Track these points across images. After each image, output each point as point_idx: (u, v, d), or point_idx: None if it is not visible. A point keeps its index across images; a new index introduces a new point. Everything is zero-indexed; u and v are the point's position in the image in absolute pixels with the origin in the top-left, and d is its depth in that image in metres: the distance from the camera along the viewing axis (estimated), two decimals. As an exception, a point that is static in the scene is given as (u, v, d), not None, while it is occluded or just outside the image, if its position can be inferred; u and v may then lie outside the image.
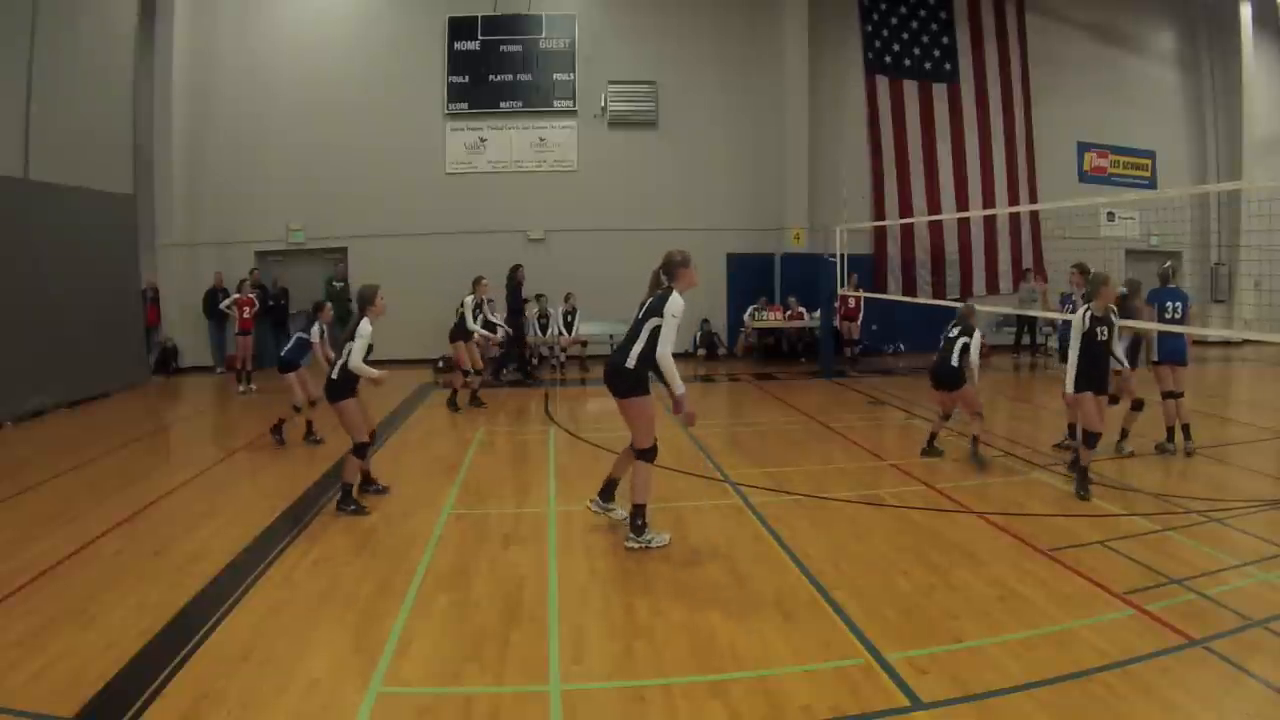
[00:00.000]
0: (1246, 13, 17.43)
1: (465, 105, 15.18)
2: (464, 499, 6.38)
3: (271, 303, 14.04)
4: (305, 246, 14.98)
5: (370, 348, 5.93)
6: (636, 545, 5.06)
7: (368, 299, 6.01)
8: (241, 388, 12.02)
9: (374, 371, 5.91)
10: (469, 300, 10.56)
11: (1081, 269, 7.72)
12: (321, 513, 5.97)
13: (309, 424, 8.51)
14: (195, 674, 3.54)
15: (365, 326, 5.88)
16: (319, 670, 3.58)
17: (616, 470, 5.50)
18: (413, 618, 4.13)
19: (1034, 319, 14.84)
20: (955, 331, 7.32)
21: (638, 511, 5.10)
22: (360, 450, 5.99)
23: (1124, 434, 7.65)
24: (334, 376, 5.95)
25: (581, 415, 10.20)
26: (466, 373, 10.49)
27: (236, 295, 12.62)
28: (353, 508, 5.89)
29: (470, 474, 7.17)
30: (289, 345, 8.46)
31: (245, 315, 12.38)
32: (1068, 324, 7.57)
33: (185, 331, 14.38)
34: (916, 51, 16.36)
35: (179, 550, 5.16)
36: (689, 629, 3.99)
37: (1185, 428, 7.50)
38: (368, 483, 6.40)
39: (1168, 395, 7.51)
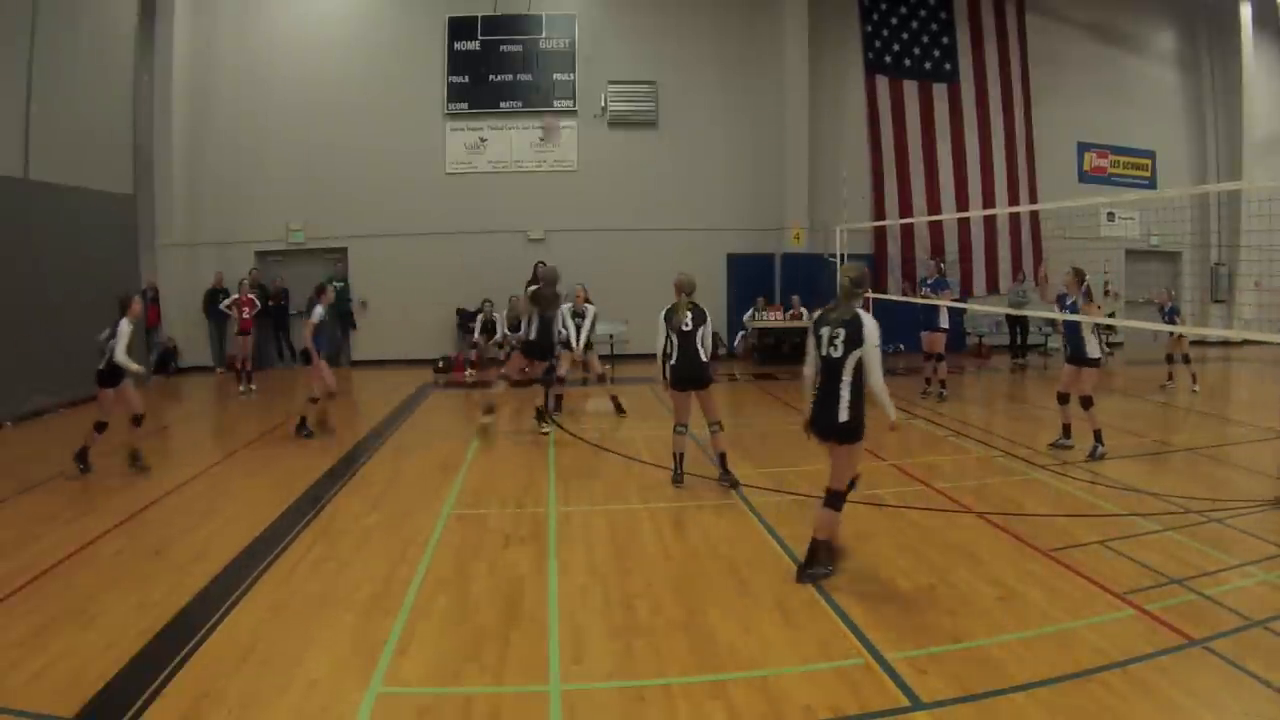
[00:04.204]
0: (1246, 13, 17.43)
1: (465, 105, 15.17)
2: (464, 499, 6.38)
3: (271, 303, 14.04)
4: (305, 246, 14.97)
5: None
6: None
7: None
8: (241, 388, 12.02)
9: None
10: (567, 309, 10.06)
11: (1077, 273, 7.75)
12: (322, 512, 5.98)
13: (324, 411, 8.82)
14: (195, 674, 3.54)
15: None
16: (319, 670, 3.58)
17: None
18: (413, 618, 4.13)
19: (1026, 320, 14.84)
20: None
21: (724, 458, 6.58)
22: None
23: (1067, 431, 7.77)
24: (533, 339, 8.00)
25: (581, 415, 10.19)
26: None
27: (236, 295, 12.61)
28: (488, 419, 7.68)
29: (470, 474, 7.17)
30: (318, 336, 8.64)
31: (245, 315, 12.38)
32: (1071, 324, 7.58)
33: (185, 331, 14.37)
34: (916, 51, 16.35)
35: (179, 550, 5.16)
36: (689, 629, 3.99)
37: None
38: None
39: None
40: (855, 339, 4.39)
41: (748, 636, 3.90)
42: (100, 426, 7.19)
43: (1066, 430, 7.74)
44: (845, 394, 4.41)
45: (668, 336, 6.47)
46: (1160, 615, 4.02)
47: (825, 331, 4.49)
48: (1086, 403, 7.47)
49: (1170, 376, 11.75)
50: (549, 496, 6.42)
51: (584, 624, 4.06)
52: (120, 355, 6.95)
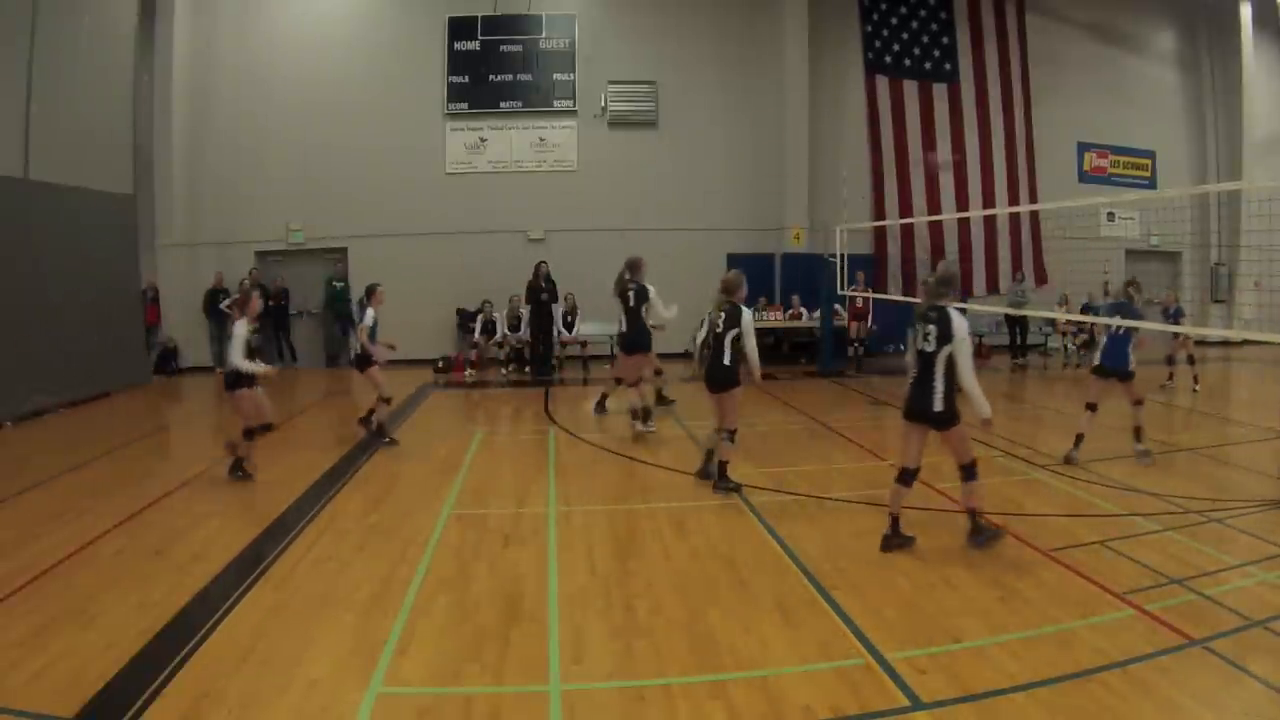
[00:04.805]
0: (1246, 13, 17.42)
1: (465, 105, 15.17)
2: (464, 499, 6.38)
3: (272, 303, 14.03)
4: (305, 246, 14.96)
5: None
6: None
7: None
8: (242, 388, 12.00)
9: None
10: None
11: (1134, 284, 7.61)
12: (322, 512, 5.98)
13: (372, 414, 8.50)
14: (195, 674, 3.54)
15: None
16: (319, 670, 3.58)
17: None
18: (413, 618, 4.13)
19: (1025, 320, 14.84)
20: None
21: (723, 467, 6.37)
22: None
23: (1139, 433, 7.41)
24: None
25: (581, 415, 10.18)
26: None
27: (237, 295, 12.59)
28: None
29: (470, 474, 7.17)
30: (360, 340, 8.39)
31: (245, 315, 12.35)
32: (1115, 329, 7.25)
33: (185, 332, 14.37)
34: (916, 51, 16.34)
35: (179, 550, 5.16)
36: (689, 629, 3.99)
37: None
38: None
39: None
40: (945, 335, 4.77)
41: (748, 636, 3.90)
42: (249, 433, 6.77)
43: (1137, 433, 7.33)
44: (939, 385, 4.82)
45: (707, 333, 6.48)
46: (1160, 615, 4.02)
47: (920, 327, 4.90)
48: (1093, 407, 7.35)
49: (1171, 376, 11.75)
50: (549, 496, 6.42)
51: (584, 624, 4.06)
52: (237, 359, 6.48)
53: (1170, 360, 11.77)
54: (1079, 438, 7.31)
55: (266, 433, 6.99)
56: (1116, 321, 7.15)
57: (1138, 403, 7.27)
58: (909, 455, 5.05)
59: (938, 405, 4.83)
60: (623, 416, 9.16)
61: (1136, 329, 7.22)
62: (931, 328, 4.84)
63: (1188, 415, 10.11)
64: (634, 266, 8.59)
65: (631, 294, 8.49)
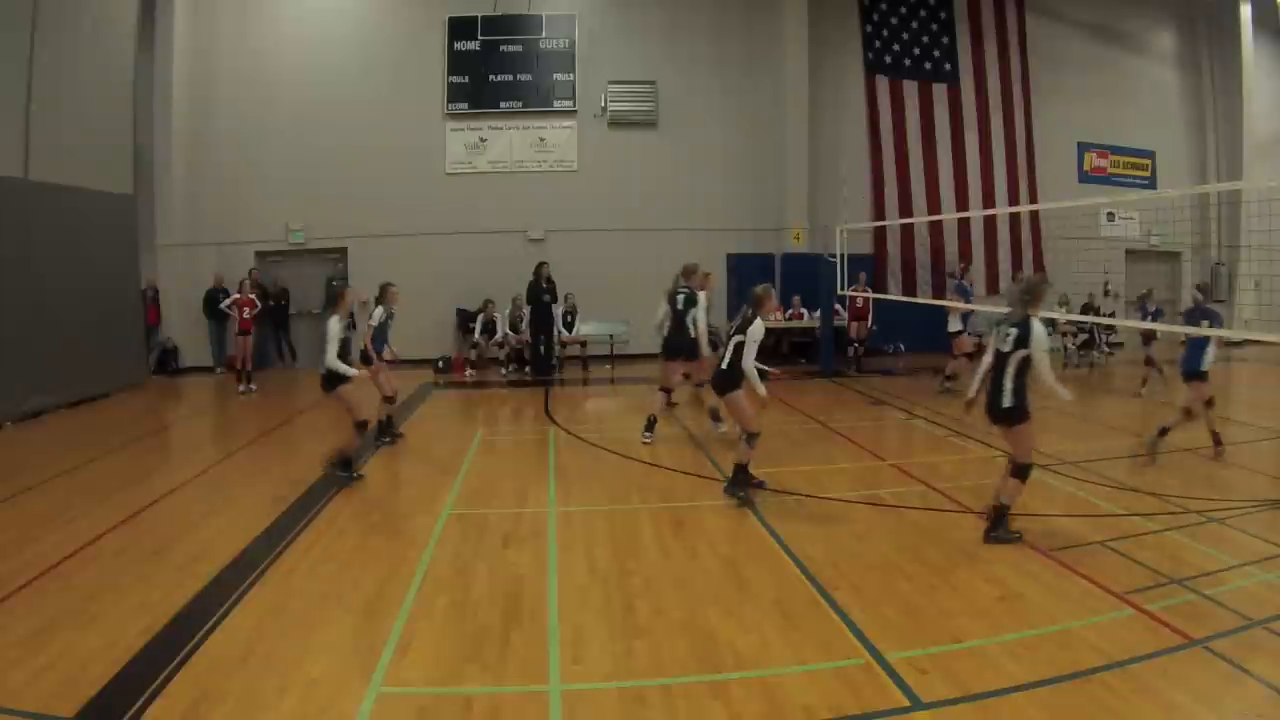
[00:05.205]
0: (1246, 13, 17.43)
1: (465, 105, 15.17)
2: (464, 499, 6.38)
3: (271, 303, 14.04)
4: (305, 246, 14.96)
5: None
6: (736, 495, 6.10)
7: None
8: (241, 388, 12.02)
9: None
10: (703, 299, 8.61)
11: (1203, 289, 7.72)
12: (322, 512, 5.98)
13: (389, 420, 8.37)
14: (195, 674, 3.54)
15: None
16: (319, 670, 3.58)
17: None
18: (413, 618, 4.14)
19: None
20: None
21: (738, 469, 6.18)
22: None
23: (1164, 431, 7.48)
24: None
25: (581, 415, 10.19)
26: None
27: (237, 295, 12.60)
28: None
29: (470, 474, 7.17)
30: (377, 337, 8.31)
31: (245, 315, 12.37)
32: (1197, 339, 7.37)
33: (185, 331, 14.37)
34: (916, 52, 16.35)
35: (179, 550, 5.16)
36: (689, 629, 3.99)
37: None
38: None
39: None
40: (1023, 340, 5.09)
41: (748, 636, 3.90)
42: (362, 426, 6.73)
43: (1162, 432, 7.48)
44: (1008, 384, 5.14)
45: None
46: (1160, 615, 4.02)
47: (1001, 329, 5.25)
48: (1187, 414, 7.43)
49: (1160, 371, 11.50)
50: (549, 496, 6.42)
51: (584, 624, 4.06)
52: (331, 360, 6.41)
53: (1149, 361, 11.50)
54: (1163, 430, 7.36)
55: (391, 404, 7.55)
56: (1140, 323, 7.15)
57: (1188, 412, 7.41)
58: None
59: (1006, 401, 5.12)
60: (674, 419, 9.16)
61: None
62: (1013, 331, 5.14)
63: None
64: (687, 273, 8.54)
65: (680, 298, 8.39)
